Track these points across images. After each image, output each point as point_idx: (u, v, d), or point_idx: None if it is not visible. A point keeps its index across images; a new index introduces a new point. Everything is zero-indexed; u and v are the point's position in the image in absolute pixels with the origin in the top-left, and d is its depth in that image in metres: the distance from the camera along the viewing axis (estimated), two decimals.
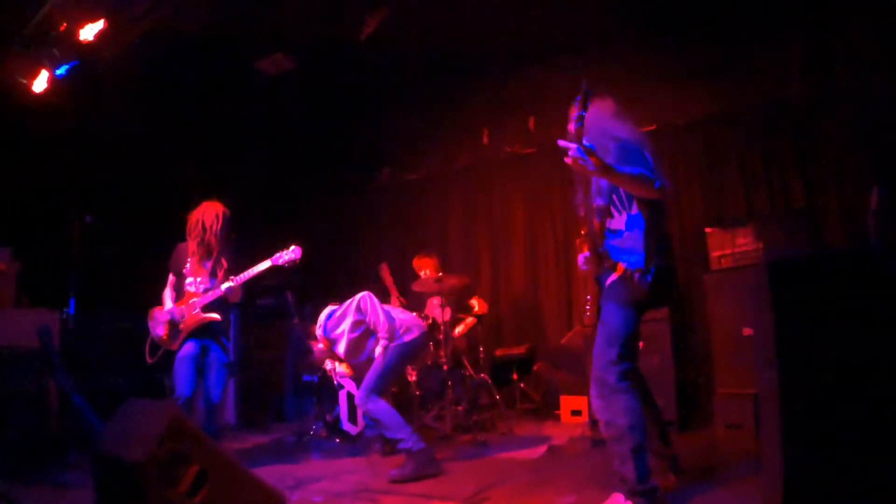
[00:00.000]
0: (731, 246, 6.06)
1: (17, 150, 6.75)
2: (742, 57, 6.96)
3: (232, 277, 5.11)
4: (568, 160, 3.31)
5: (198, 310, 5.16)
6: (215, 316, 5.19)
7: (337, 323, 5.31)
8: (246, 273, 5.12)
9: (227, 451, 3.14)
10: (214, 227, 5.26)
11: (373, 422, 5.06)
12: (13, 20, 5.92)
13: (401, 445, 4.81)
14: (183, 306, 5.20)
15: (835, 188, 6.33)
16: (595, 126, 3.59)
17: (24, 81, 6.14)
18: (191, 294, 5.22)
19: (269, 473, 4.66)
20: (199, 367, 5.20)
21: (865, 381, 2.15)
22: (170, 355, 5.23)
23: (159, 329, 5.29)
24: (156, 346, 5.32)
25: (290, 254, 5.18)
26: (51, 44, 6.00)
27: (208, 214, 5.29)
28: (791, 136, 6.74)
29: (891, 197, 4.31)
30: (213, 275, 5.26)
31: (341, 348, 5.27)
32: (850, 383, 2.16)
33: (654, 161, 3.58)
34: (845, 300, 2.22)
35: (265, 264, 5.15)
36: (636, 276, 3.49)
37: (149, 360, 5.32)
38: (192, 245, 5.30)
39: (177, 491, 2.75)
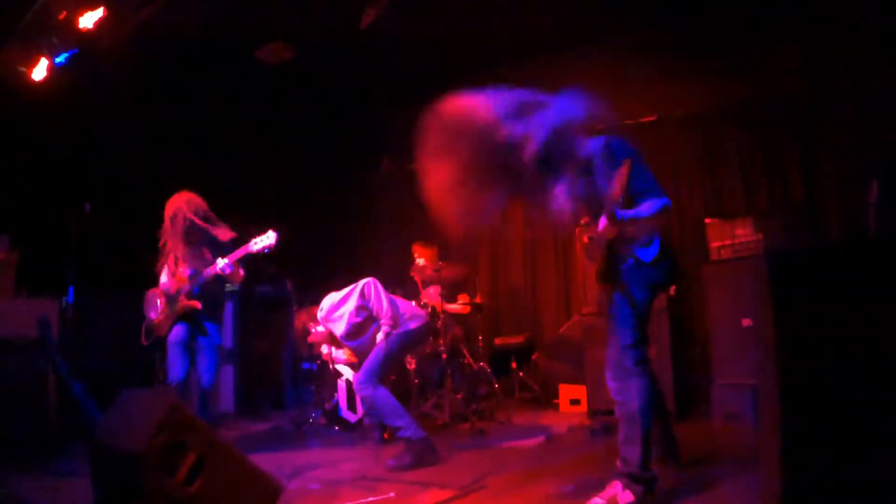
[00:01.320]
0: (731, 237, 6.05)
1: (15, 139, 6.74)
2: (744, 53, 6.96)
3: (227, 259, 5.08)
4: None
5: (182, 295, 5.20)
6: (195, 304, 5.19)
7: (338, 305, 5.25)
8: (225, 261, 5.08)
9: (224, 439, 3.14)
10: (180, 217, 5.24)
11: (371, 408, 5.04)
12: (13, 8, 5.91)
13: (400, 434, 4.81)
14: (175, 282, 5.25)
15: (834, 183, 6.34)
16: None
17: (24, 70, 6.12)
18: (180, 279, 5.27)
19: (267, 461, 4.66)
20: (191, 350, 5.24)
21: (866, 373, 2.15)
22: (164, 339, 5.27)
23: (152, 312, 5.37)
24: (149, 329, 5.35)
25: (266, 239, 5.09)
26: (50, 32, 5.97)
27: (175, 205, 5.29)
28: (791, 131, 6.75)
29: (890, 191, 4.31)
30: (194, 261, 5.29)
31: (340, 329, 5.24)
32: (851, 376, 2.16)
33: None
34: (845, 292, 2.22)
35: (239, 253, 5.11)
36: (651, 261, 3.54)
37: (143, 342, 5.36)
38: (169, 235, 5.36)
39: (174, 479, 2.75)
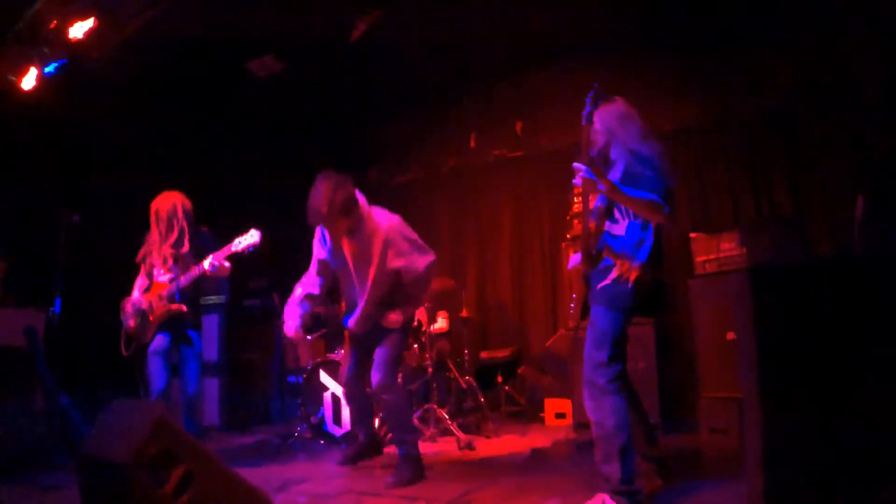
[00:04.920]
0: (716, 251, 6.07)
1: (4, 147, 6.72)
2: (731, 66, 7.02)
3: (211, 258, 4.96)
4: (577, 180, 3.40)
5: (164, 300, 5.11)
6: (181, 307, 5.12)
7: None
8: (210, 259, 4.95)
9: (212, 452, 3.14)
10: (170, 216, 5.18)
11: (390, 414, 4.71)
12: (2, 17, 5.91)
13: (405, 449, 4.63)
14: (150, 297, 5.17)
15: (820, 197, 6.41)
16: (604, 129, 3.70)
17: (13, 79, 6.11)
18: (159, 284, 5.18)
19: (254, 475, 4.64)
20: (172, 361, 5.15)
21: (847, 386, 2.18)
22: (145, 349, 5.18)
23: (130, 321, 5.24)
24: (130, 338, 5.29)
25: (249, 238, 4.96)
26: (40, 41, 5.97)
27: (165, 204, 5.22)
28: (778, 144, 6.81)
29: (876, 207, 4.35)
30: (176, 264, 5.18)
31: None
32: (832, 388, 2.20)
33: (665, 163, 3.62)
34: (828, 306, 2.26)
35: (222, 252, 4.98)
36: (630, 280, 3.53)
37: (124, 353, 5.27)
38: (153, 235, 5.27)
39: (162, 492, 2.74)
